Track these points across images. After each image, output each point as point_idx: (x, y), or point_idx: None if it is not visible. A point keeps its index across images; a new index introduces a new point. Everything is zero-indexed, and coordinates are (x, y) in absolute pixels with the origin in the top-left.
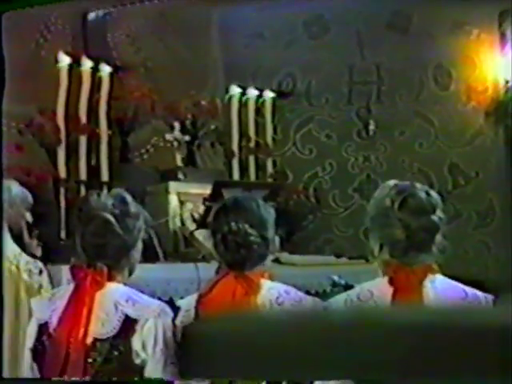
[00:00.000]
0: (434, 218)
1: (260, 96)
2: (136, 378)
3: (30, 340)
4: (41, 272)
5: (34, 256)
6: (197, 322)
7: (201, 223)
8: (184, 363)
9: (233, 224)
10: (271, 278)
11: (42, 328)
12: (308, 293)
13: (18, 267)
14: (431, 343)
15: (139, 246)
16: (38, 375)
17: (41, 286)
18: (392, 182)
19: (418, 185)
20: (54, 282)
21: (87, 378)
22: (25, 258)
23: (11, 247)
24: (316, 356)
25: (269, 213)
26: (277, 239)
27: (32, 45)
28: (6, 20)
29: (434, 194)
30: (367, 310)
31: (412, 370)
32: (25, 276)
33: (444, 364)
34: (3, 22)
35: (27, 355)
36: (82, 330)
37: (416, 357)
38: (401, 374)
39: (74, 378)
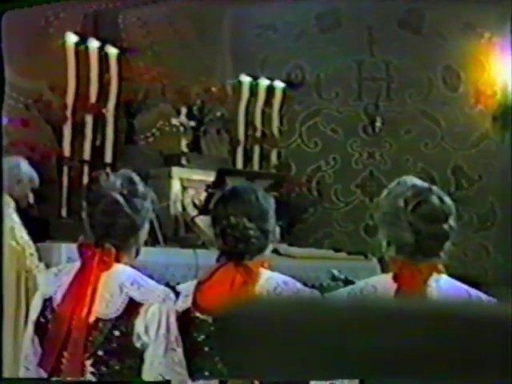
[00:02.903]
0: (446, 226)
1: (269, 86)
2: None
3: (33, 313)
4: (40, 259)
5: (32, 237)
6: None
7: (202, 210)
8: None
9: (231, 218)
10: (271, 268)
11: (46, 302)
12: (305, 285)
13: (23, 248)
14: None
15: (146, 226)
16: (38, 348)
17: (39, 273)
18: (409, 181)
19: (435, 188)
20: (50, 264)
21: (88, 370)
22: (29, 241)
23: (16, 225)
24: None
25: (268, 203)
26: (277, 229)
27: (42, 21)
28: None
29: (448, 201)
30: (369, 300)
31: (413, 361)
32: (27, 260)
33: (446, 356)
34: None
35: (29, 327)
36: (85, 309)
37: (418, 348)
38: (401, 365)
39: (72, 377)
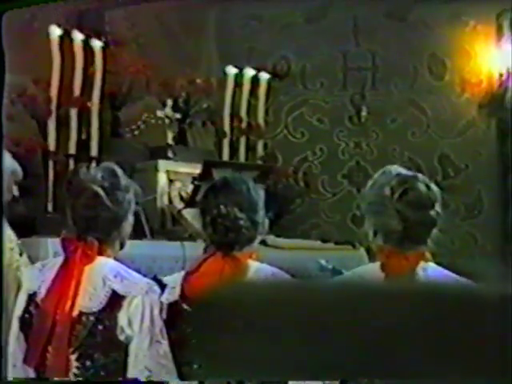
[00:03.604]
0: (432, 212)
1: (255, 77)
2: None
3: (18, 309)
4: (21, 253)
5: (17, 233)
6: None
7: (189, 202)
8: None
9: (222, 207)
10: (259, 259)
11: (31, 298)
12: (293, 276)
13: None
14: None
15: (130, 219)
16: (23, 345)
17: (18, 268)
18: (394, 170)
19: (420, 176)
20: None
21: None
22: (10, 235)
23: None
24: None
25: (258, 195)
26: (266, 221)
27: (27, 15)
28: None
29: (434, 187)
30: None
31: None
32: (7, 254)
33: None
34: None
35: (15, 324)
36: (68, 303)
37: (407, 329)
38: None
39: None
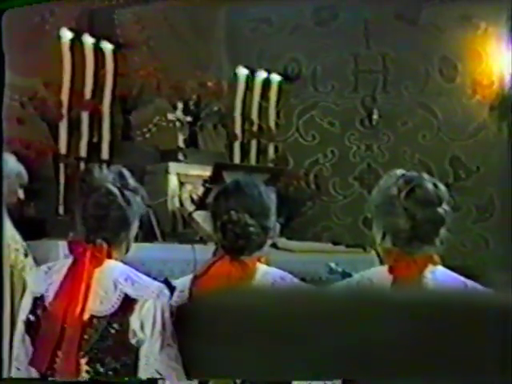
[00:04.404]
0: (440, 210)
1: (265, 80)
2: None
3: (23, 312)
4: (26, 255)
5: (21, 235)
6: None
7: (200, 205)
8: None
9: (233, 213)
10: (268, 263)
11: (37, 301)
12: (303, 279)
13: (7, 243)
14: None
15: (137, 222)
16: (29, 348)
17: (23, 268)
18: (399, 172)
19: (426, 176)
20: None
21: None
22: (15, 236)
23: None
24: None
25: (271, 199)
26: (277, 226)
27: (37, 18)
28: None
29: (441, 186)
30: (366, 291)
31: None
32: (12, 255)
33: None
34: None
35: (20, 327)
36: (79, 306)
37: (415, 338)
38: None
39: (68, 378)
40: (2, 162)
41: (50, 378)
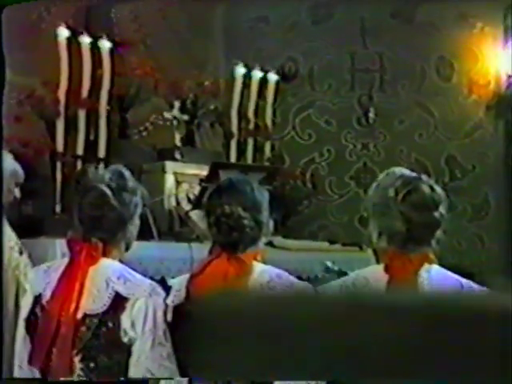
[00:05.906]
0: (436, 214)
1: (262, 78)
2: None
3: (24, 311)
4: (21, 252)
5: (19, 233)
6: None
7: (196, 204)
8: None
9: (226, 207)
10: (264, 259)
11: (37, 300)
12: (300, 278)
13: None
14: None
15: (136, 221)
16: (29, 346)
17: (17, 266)
18: (398, 171)
19: (424, 177)
20: (35, 263)
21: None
22: (10, 234)
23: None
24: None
25: (263, 195)
26: (271, 222)
27: (34, 16)
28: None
29: (438, 189)
30: (361, 293)
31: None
32: (6, 253)
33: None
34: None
35: (21, 326)
36: (73, 305)
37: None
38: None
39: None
40: (2, 162)
41: (49, 379)
